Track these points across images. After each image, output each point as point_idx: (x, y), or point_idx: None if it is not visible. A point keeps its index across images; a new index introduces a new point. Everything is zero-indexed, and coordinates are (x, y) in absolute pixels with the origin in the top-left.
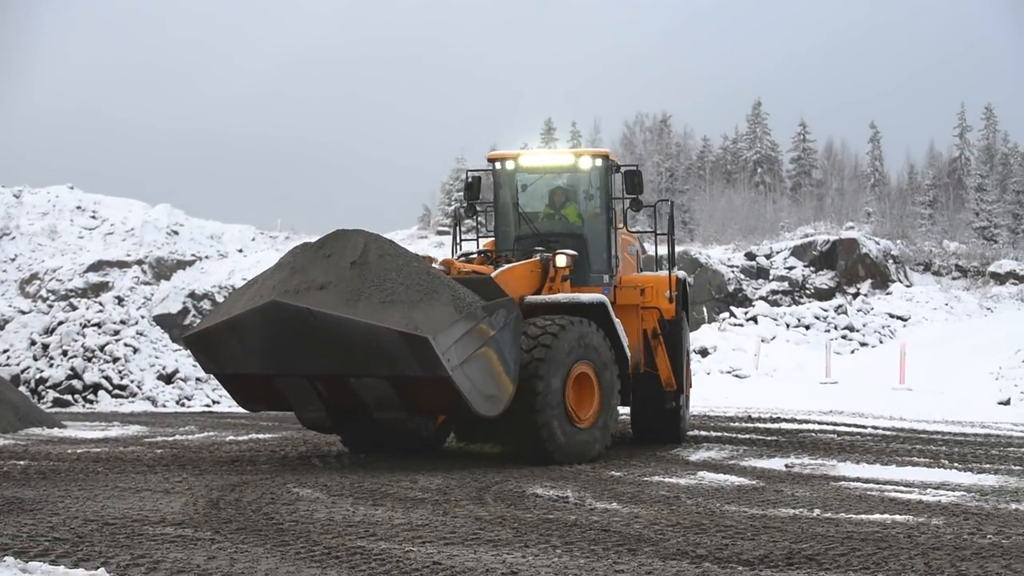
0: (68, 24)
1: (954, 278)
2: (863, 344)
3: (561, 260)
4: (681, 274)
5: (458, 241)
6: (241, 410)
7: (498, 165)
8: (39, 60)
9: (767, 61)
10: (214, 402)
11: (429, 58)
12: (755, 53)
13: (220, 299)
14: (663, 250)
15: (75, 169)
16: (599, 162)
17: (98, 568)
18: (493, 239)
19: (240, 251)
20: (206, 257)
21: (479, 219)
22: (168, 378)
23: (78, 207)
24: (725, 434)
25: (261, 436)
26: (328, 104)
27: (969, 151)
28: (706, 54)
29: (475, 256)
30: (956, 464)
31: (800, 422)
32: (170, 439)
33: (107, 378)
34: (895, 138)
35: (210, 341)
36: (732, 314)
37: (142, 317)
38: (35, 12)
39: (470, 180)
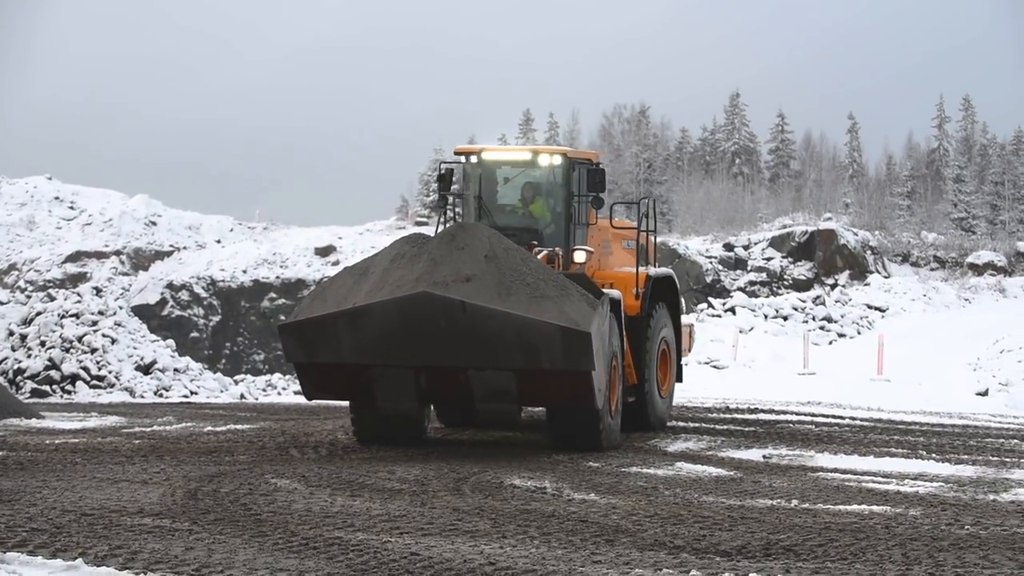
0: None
1: (932, 269)
2: (841, 335)
3: (580, 256)
4: (659, 271)
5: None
6: (219, 401)
7: (463, 159)
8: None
9: (746, 53)
10: (192, 393)
11: (415, 47)
12: (734, 45)
13: (198, 290)
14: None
15: (53, 159)
16: (557, 160)
17: (76, 559)
18: None
19: (218, 242)
20: (184, 248)
21: (457, 210)
22: (146, 369)
23: (56, 198)
24: (703, 425)
25: (239, 427)
26: (317, 95)
27: (947, 142)
28: (685, 46)
29: None
30: (934, 455)
31: (778, 413)
32: (148, 430)
33: (85, 369)
34: (873, 129)
35: (319, 330)
36: (710, 305)
37: (120, 308)
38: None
39: (443, 172)
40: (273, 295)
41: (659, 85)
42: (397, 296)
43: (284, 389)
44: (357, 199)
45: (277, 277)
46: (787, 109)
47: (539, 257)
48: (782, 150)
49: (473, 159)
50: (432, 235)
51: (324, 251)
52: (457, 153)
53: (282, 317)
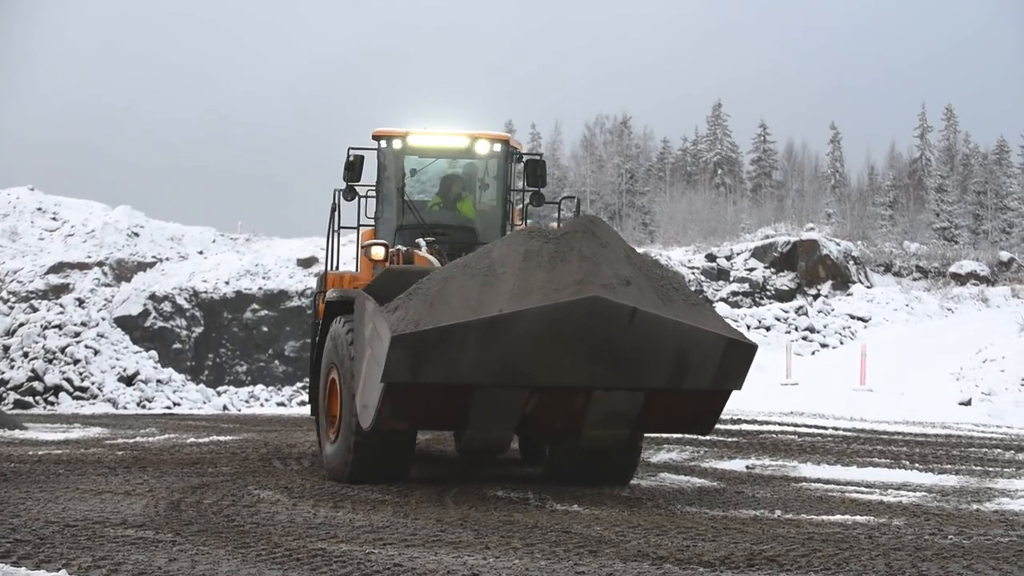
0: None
1: (915, 279)
2: (824, 345)
3: None
4: None
5: (335, 229)
6: (202, 412)
7: (383, 144)
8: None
9: (727, 61)
10: (175, 404)
11: (395, 56)
12: (715, 54)
13: (181, 301)
14: None
15: (37, 169)
16: (498, 147)
17: (59, 570)
18: (372, 228)
19: (200, 253)
20: (167, 259)
21: (365, 204)
22: (129, 380)
23: (39, 208)
24: (685, 435)
25: (222, 438)
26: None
27: (930, 152)
28: (666, 53)
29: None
30: (917, 465)
31: (761, 423)
32: (131, 441)
33: (68, 380)
34: (855, 139)
35: (445, 342)
36: None
37: (103, 319)
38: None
39: (352, 159)
40: (255, 306)
41: (641, 94)
42: (560, 301)
43: (267, 400)
44: (349, 216)
45: (260, 288)
46: (769, 118)
47: None
48: (764, 160)
49: (396, 144)
50: (558, 228)
51: (306, 262)
52: (376, 137)
53: (287, 328)
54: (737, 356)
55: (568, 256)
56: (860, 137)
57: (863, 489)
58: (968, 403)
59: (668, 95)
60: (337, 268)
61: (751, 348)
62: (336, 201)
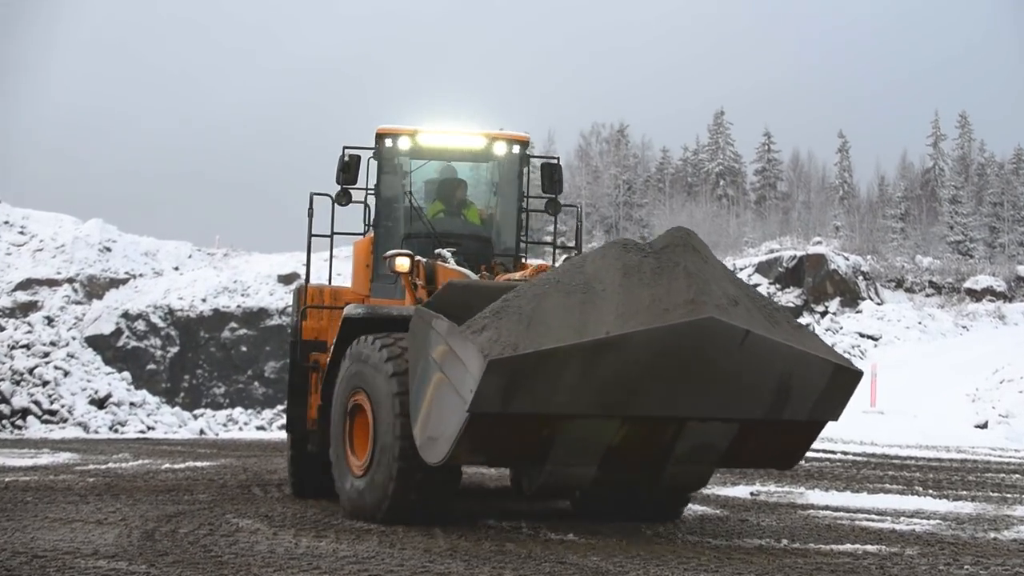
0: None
1: (928, 295)
2: None
3: None
4: None
5: (317, 235)
6: (177, 437)
7: (388, 143)
8: None
9: (730, 69)
10: (149, 428)
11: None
12: (717, 61)
13: (155, 319)
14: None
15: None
16: (517, 149)
17: None
18: (371, 235)
19: (176, 269)
20: (140, 275)
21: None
22: (101, 403)
23: (5, 222)
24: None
25: (199, 464)
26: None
27: (943, 161)
28: (666, 61)
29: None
30: (931, 491)
31: None
32: (103, 467)
33: (36, 403)
34: (865, 148)
35: (545, 367)
36: None
37: (73, 338)
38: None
39: (347, 159)
40: (234, 325)
41: (639, 102)
42: (673, 323)
43: (246, 424)
44: (322, 223)
45: (238, 306)
46: (774, 127)
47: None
48: (768, 171)
49: (403, 143)
50: (652, 241)
51: (288, 278)
52: (380, 135)
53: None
54: (841, 384)
55: (673, 272)
56: (870, 146)
57: (874, 517)
58: (984, 426)
59: (668, 102)
60: (329, 281)
61: (856, 375)
62: (312, 207)
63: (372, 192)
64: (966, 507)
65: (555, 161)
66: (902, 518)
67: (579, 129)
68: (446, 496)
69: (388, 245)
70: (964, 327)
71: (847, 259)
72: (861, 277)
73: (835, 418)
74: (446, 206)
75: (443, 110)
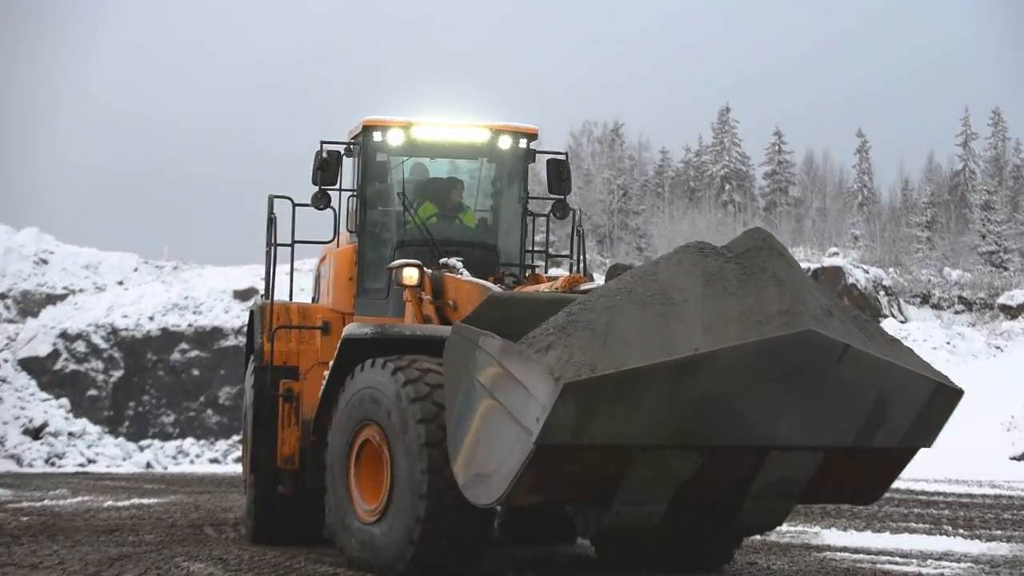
0: None
1: (957, 312)
2: None
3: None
4: None
5: (273, 244)
6: (121, 471)
7: (376, 137)
8: None
9: (737, 60)
10: (90, 461)
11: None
12: (723, 51)
13: (97, 340)
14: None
15: None
16: (524, 143)
17: None
18: (352, 243)
19: (120, 283)
20: (80, 291)
21: (341, 212)
22: (36, 432)
23: None
24: None
25: (145, 501)
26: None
27: (974, 163)
28: (665, 51)
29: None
30: (961, 530)
31: None
32: (38, 505)
33: None
34: (887, 148)
35: (625, 389)
36: None
37: (5, 361)
38: None
39: (326, 156)
40: (185, 346)
41: (635, 97)
42: (769, 337)
43: (198, 457)
44: (283, 233)
45: (190, 325)
46: (785, 125)
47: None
48: (779, 174)
49: (394, 138)
50: (728, 245)
51: (245, 294)
52: (368, 128)
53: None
54: (940, 405)
55: (761, 280)
56: (892, 146)
57: (898, 559)
58: (1021, 458)
59: (667, 97)
60: (291, 296)
61: (957, 395)
62: (273, 212)
63: (354, 193)
64: (1001, 548)
65: (563, 157)
66: (929, 561)
67: (568, 128)
68: (481, 541)
69: (376, 254)
70: (998, 347)
71: (867, 272)
72: (882, 292)
73: (928, 444)
74: (439, 209)
75: (416, 106)
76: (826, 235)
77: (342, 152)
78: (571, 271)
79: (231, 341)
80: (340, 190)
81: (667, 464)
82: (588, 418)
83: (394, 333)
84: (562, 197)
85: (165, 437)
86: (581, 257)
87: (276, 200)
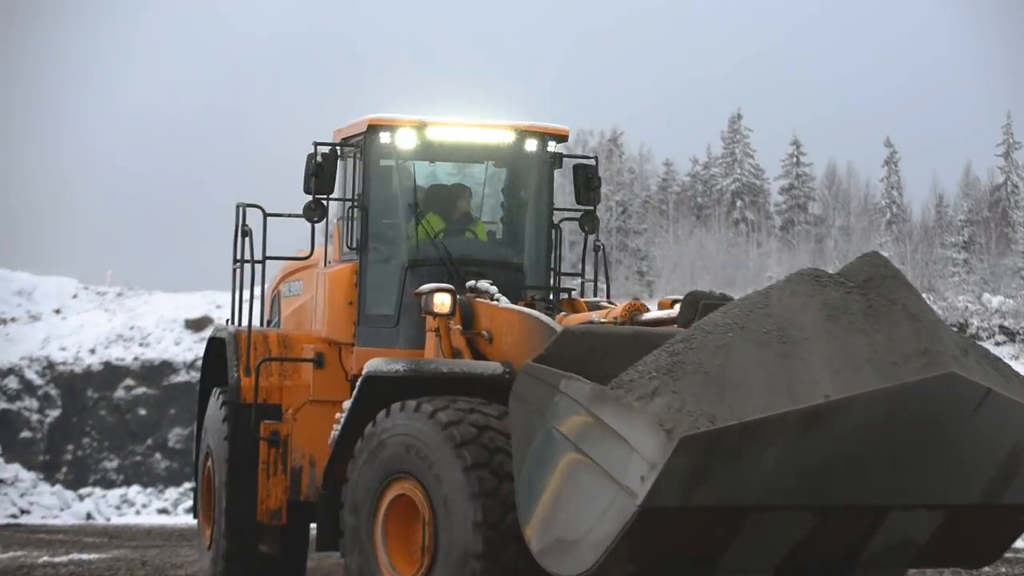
0: None
1: (998, 343)
2: None
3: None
4: None
5: (250, 260)
6: (58, 522)
7: (384, 138)
8: None
9: (750, 62)
10: (23, 511)
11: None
12: (735, 52)
13: (31, 375)
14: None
15: None
16: (553, 147)
17: None
18: (353, 261)
19: (58, 312)
20: (12, 320)
21: (340, 225)
22: None
23: None
24: None
25: (86, 556)
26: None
27: (1017, 175)
28: (671, 53)
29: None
30: None
31: None
32: None
33: None
34: (918, 159)
35: (744, 444)
36: None
37: None
38: None
39: (320, 161)
40: (130, 382)
41: (636, 103)
42: (908, 381)
43: (144, 507)
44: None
45: (136, 358)
46: (804, 134)
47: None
48: (797, 188)
49: (404, 140)
50: (844, 272)
51: (198, 324)
52: (375, 127)
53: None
54: None
55: (891, 313)
56: (924, 157)
57: None
58: None
59: (672, 103)
60: (262, 323)
61: None
62: (246, 223)
63: (354, 203)
64: None
65: (592, 162)
66: None
67: None
68: None
69: (383, 275)
70: None
71: None
72: None
73: None
74: (446, 222)
75: (392, 108)
76: (850, 257)
77: (337, 155)
78: (582, 294)
79: (182, 377)
80: (329, 199)
81: (780, 526)
82: (702, 476)
83: (431, 370)
84: (591, 208)
85: (108, 485)
86: (604, 279)
87: (247, 210)
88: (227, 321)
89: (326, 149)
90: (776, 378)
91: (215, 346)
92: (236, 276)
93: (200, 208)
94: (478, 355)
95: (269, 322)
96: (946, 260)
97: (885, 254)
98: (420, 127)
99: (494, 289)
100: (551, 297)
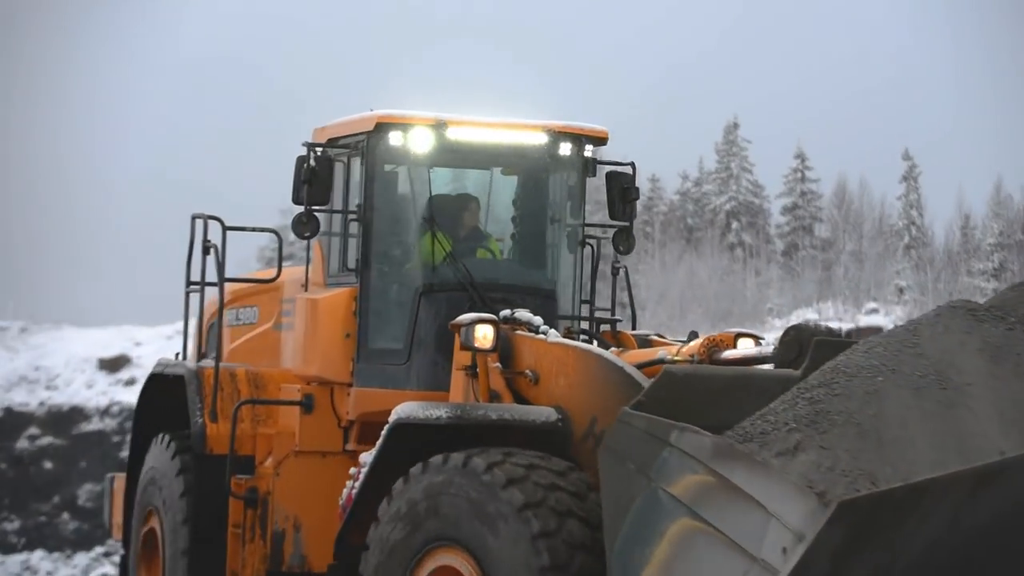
0: None
1: None
2: None
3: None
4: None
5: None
6: None
7: (394, 139)
8: None
9: (748, 63)
10: None
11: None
12: (728, 51)
13: None
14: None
15: None
16: (590, 151)
17: None
18: (352, 285)
19: None
20: None
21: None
22: None
23: None
24: None
25: None
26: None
27: None
28: (659, 54)
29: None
30: None
31: None
32: None
33: None
34: (940, 175)
35: (903, 510)
36: None
37: None
38: None
39: (314, 165)
40: (35, 431)
41: (619, 112)
42: None
43: (50, 574)
44: (166, 284)
45: (41, 404)
46: (810, 146)
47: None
48: (802, 208)
49: (419, 141)
50: (998, 305)
51: (113, 364)
52: (383, 125)
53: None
54: None
55: None
56: (947, 172)
57: None
58: None
59: (660, 112)
60: (218, 358)
61: None
62: (206, 237)
63: (353, 216)
64: None
65: (629, 169)
66: None
67: None
68: None
69: (388, 301)
70: None
71: None
72: None
73: None
74: (452, 239)
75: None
76: (863, 286)
77: (332, 159)
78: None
79: (95, 424)
80: (311, 210)
81: None
82: (857, 546)
83: (480, 417)
84: (627, 224)
85: (7, 550)
86: (630, 305)
87: (206, 222)
88: (177, 355)
89: (320, 152)
90: (942, 431)
91: (160, 385)
92: (190, 301)
93: (115, 232)
94: (519, 399)
95: (204, 355)
96: (973, 290)
97: (903, 283)
98: (439, 126)
99: (538, 320)
100: (593, 328)
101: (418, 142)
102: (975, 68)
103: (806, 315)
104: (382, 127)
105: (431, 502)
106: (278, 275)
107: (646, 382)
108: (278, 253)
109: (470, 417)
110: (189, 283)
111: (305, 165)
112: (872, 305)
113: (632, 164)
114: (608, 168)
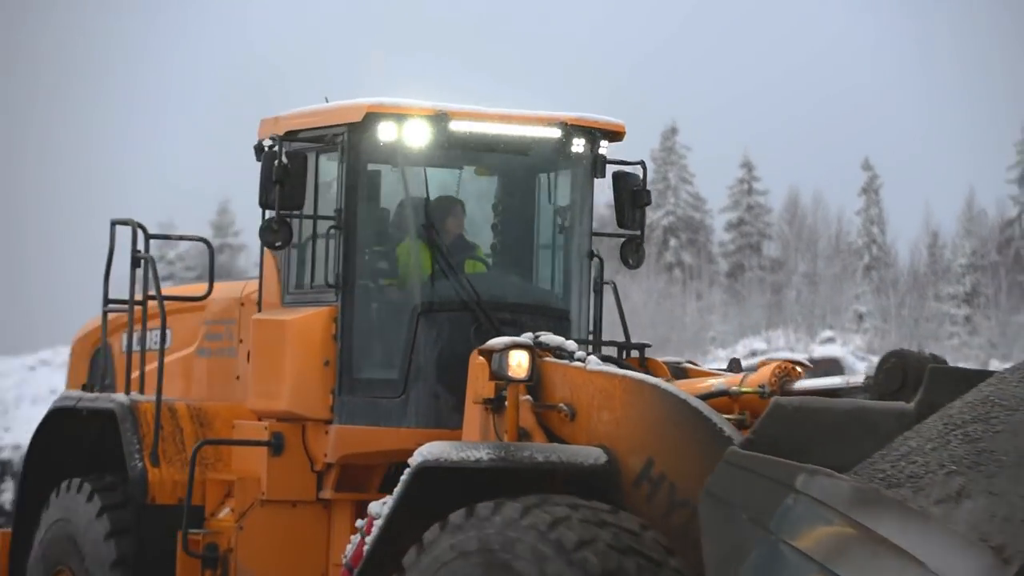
0: None
1: None
2: None
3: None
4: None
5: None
6: None
7: (385, 132)
8: None
9: (686, 62)
10: None
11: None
12: (667, 48)
13: None
14: None
15: None
16: (604, 147)
17: None
18: (332, 304)
19: None
20: None
21: (303, 248)
22: None
23: None
24: None
25: None
26: None
27: None
28: (589, 55)
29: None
30: None
31: None
32: None
33: None
34: (904, 186)
35: None
36: None
37: None
38: None
39: (286, 163)
40: None
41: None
42: None
43: None
44: (35, 310)
45: None
46: (757, 154)
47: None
48: (749, 224)
49: (415, 134)
50: None
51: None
52: (373, 115)
53: None
54: None
55: None
56: (912, 184)
57: None
58: None
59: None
60: (159, 391)
61: None
62: (132, 247)
63: (335, 224)
64: None
65: (638, 169)
66: None
67: None
68: None
69: (378, 323)
70: None
71: None
72: None
73: None
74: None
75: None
76: (817, 312)
77: (306, 155)
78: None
79: None
80: (282, 215)
81: None
82: None
83: (526, 459)
84: (637, 233)
85: None
86: (622, 328)
87: (128, 229)
88: (84, 387)
89: (295, 146)
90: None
91: (67, 422)
92: (108, 321)
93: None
94: (551, 436)
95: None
96: (942, 317)
97: (862, 309)
98: (440, 117)
99: (572, 345)
100: (621, 355)
101: (415, 136)
102: (942, 72)
103: (753, 344)
104: (371, 118)
105: (486, 556)
106: (209, 291)
107: (717, 418)
108: (209, 266)
109: (515, 459)
110: (107, 301)
111: (276, 162)
112: (828, 333)
113: (642, 163)
114: (615, 168)
